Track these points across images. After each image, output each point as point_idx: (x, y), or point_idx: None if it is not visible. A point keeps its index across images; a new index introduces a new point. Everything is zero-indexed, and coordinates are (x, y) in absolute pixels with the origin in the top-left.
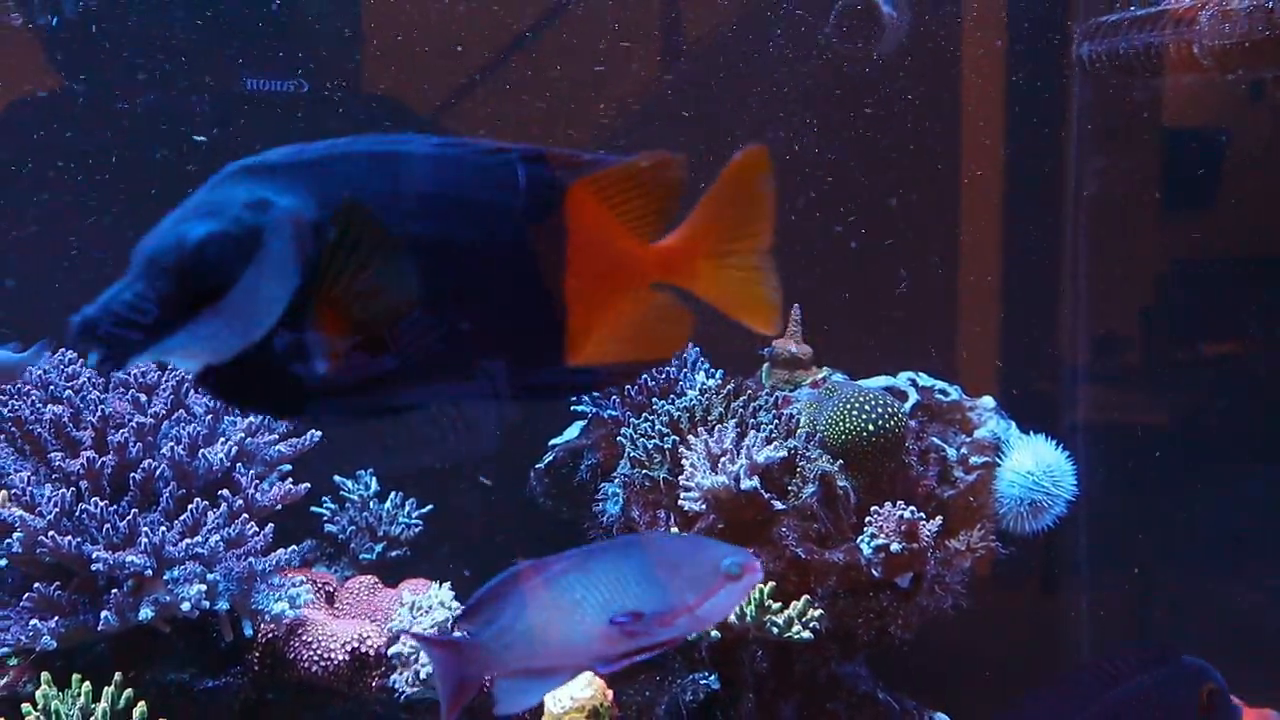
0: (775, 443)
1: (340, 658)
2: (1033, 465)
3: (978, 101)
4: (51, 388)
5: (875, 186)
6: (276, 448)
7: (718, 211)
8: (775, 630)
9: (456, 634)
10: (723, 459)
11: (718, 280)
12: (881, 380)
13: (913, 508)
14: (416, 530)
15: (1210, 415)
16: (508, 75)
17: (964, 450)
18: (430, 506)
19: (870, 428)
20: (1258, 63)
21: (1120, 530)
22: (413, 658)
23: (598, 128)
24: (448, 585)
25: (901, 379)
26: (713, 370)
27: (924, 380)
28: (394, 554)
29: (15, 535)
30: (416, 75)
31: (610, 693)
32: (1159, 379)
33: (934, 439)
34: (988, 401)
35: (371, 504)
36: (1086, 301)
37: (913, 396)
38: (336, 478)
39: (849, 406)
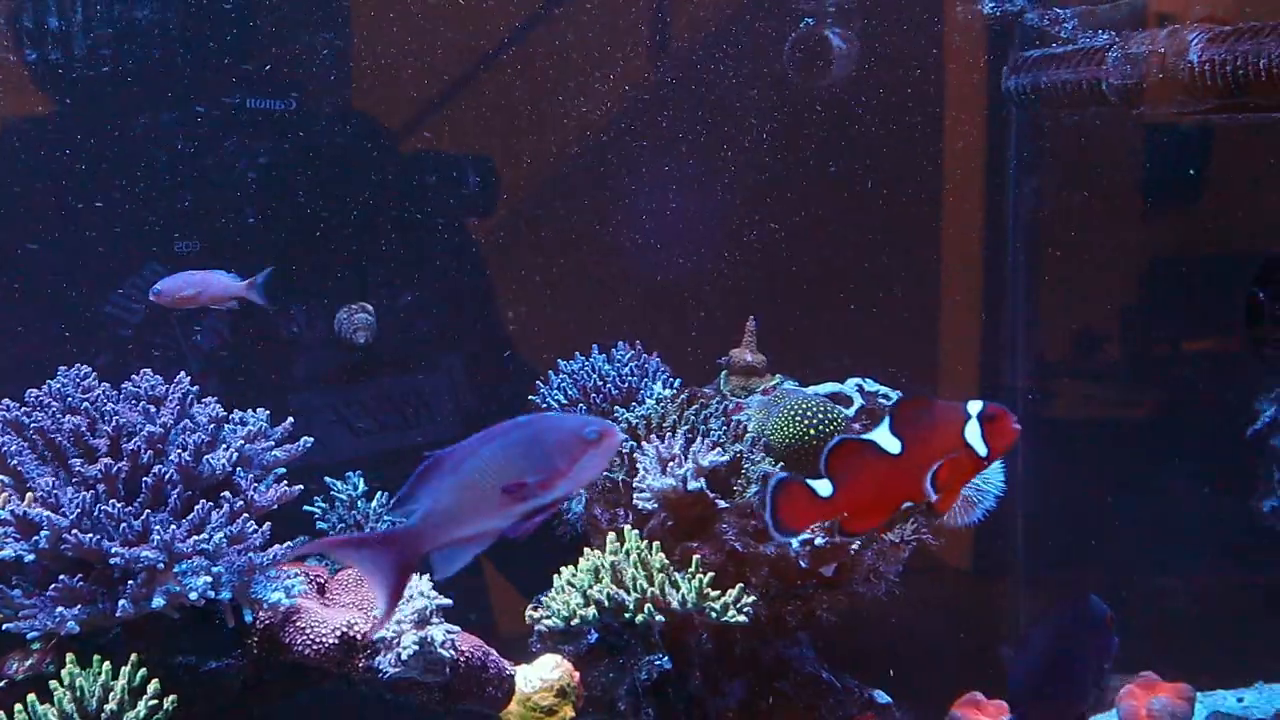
0: (720, 448)
1: (331, 641)
2: None
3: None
4: (69, 399)
5: (853, 195)
6: (273, 453)
7: None
8: (714, 615)
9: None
10: (671, 463)
11: None
12: (829, 386)
13: None
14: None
15: (1138, 417)
16: (485, 87)
17: None
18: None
19: (812, 431)
20: (1156, 102)
21: (1054, 522)
22: (395, 641)
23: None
24: (426, 576)
25: (849, 385)
26: (671, 380)
27: (870, 386)
28: None
29: (42, 533)
30: (400, 91)
31: (577, 674)
32: (1093, 380)
33: None
34: None
35: (359, 503)
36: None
37: (858, 401)
38: (326, 478)
39: (793, 412)
